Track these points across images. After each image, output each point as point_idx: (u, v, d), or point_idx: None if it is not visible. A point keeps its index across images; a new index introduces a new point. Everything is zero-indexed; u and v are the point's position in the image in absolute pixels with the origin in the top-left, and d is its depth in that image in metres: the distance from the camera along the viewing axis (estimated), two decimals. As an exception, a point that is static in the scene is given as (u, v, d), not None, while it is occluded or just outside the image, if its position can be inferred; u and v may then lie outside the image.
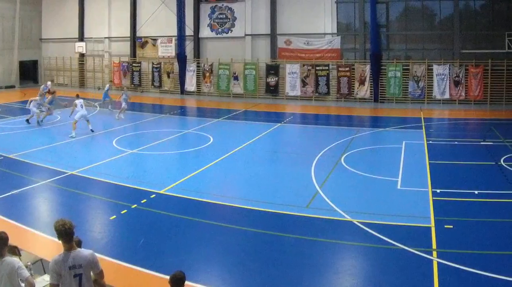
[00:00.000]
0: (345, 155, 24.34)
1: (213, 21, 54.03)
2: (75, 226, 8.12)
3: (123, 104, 36.16)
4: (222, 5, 53.38)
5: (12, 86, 60.06)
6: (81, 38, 60.98)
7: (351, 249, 14.04)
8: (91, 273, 8.28)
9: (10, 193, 18.60)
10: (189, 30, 53.73)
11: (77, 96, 32.61)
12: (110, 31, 59.72)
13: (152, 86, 56.15)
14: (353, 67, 47.48)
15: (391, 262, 12.91)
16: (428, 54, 46.73)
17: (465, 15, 45.85)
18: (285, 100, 48.62)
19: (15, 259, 8.55)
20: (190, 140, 29.41)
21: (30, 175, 21.25)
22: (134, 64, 57.11)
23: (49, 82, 46.76)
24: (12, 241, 9.36)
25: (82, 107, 30.15)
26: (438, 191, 18.44)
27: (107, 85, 44.24)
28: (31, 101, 33.71)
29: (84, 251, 8.25)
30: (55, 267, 7.96)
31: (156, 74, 55.71)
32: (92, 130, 30.07)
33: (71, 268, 7.92)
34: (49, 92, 37.71)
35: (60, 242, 8.11)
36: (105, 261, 12.25)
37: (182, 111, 43.11)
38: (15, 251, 10.65)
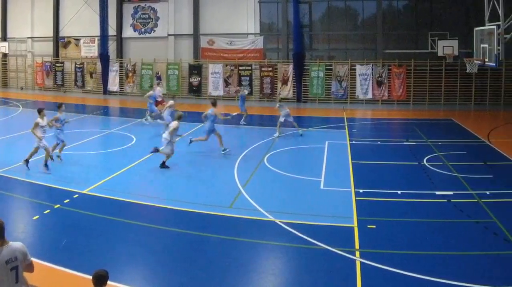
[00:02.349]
0: (268, 155, 22.61)
1: (136, 21, 48.71)
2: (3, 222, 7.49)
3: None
4: (145, 5, 48.23)
5: None
6: (4, 38, 54.07)
7: (274, 249, 13.08)
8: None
9: None
10: (112, 30, 48.36)
11: None
12: (33, 31, 52.99)
13: (75, 86, 50.23)
14: (276, 67, 43.38)
15: (314, 262, 12.05)
16: (351, 54, 43.11)
17: (388, 15, 42.87)
18: (208, 100, 41.60)
19: None
20: (113, 140, 27.07)
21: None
22: (57, 64, 50.95)
23: None
24: None
25: None
26: (361, 191, 17.19)
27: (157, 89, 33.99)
28: None
29: (15, 244, 7.64)
30: None
31: (79, 74, 49.95)
32: None
33: (7, 262, 7.36)
34: None
35: None
36: (28, 261, 10.89)
37: (105, 111, 39.50)
38: None
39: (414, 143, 24.68)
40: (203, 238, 13.35)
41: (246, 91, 33.94)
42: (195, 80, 45.60)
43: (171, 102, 26.90)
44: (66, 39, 51.49)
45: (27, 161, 19.68)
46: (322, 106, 40.45)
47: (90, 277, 7.34)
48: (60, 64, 51.07)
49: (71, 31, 50.89)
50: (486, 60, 28.16)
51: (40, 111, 20.00)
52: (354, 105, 40.07)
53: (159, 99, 32.38)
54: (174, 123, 20.76)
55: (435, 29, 38.90)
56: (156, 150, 20.55)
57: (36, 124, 19.55)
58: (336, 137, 26.74)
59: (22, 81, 53.85)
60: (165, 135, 20.54)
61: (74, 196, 16.62)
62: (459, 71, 38.28)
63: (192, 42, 46.47)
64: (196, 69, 45.65)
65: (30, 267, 7.83)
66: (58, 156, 21.17)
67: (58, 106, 21.27)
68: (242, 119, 31.31)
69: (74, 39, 51.04)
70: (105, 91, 48.54)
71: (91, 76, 49.69)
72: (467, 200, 16.18)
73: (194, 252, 12.50)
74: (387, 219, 14.63)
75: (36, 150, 19.84)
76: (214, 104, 23.66)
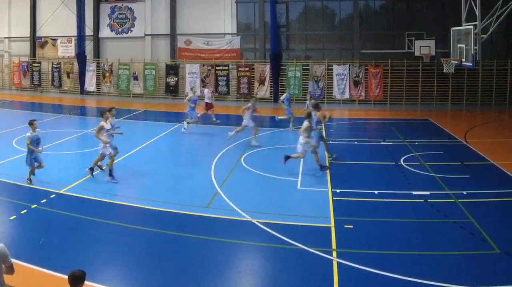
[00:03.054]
0: (245, 155, 22.00)
1: (113, 21, 46.72)
2: None
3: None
4: (122, 5, 46.25)
5: None
6: (-19, 38, 51.89)
7: (251, 249, 12.69)
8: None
9: None
10: (89, 30, 46.32)
11: None
12: (10, 31, 50.77)
13: (52, 86, 48.06)
14: (253, 67, 41.51)
15: (292, 262, 11.69)
16: (328, 54, 41.42)
17: (365, 15, 41.14)
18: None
19: None
20: (90, 140, 24.91)
21: None
22: (34, 64, 48.56)
23: None
24: None
25: None
26: (338, 191, 16.79)
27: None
28: None
29: None
30: None
31: (56, 74, 47.75)
32: None
33: None
34: None
35: None
36: (6, 261, 10.23)
37: (82, 111, 37.90)
38: None
39: (391, 143, 23.93)
40: (180, 238, 13.03)
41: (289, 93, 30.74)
42: (172, 80, 43.83)
43: (249, 104, 24.18)
44: (43, 39, 49.45)
45: (92, 169, 18.38)
46: (299, 106, 36.81)
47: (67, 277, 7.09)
48: (37, 64, 48.94)
49: (48, 31, 48.92)
50: (463, 60, 27.55)
51: (106, 112, 18.62)
52: (331, 105, 38.54)
53: (209, 101, 30.49)
54: (305, 124, 19.05)
55: (412, 29, 37.79)
56: (288, 157, 19.22)
57: (100, 128, 17.85)
58: (313, 137, 24.99)
59: (-1, 81, 51.81)
60: (301, 140, 19.01)
61: (51, 196, 16.20)
62: (436, 71, 37.23)
63: (169, 42, 44.69)
64: (173, 69, 43.83)
65: (10, 270, 7.68)
66: (100, 166, 19.46)
67: (108, 111, 19.06)
68: (291, 125, 28.21)
69: (51, 39, 49.02)
70: (82, 91, 46.75)
71: (68, 76, 47.72)
72: (444, 200, 15.79)
73: (171, 252, 12.21)
74: (364, 219, 14.27)
75: (102, 157, 18.37)
76: (317, 107, 21.46)
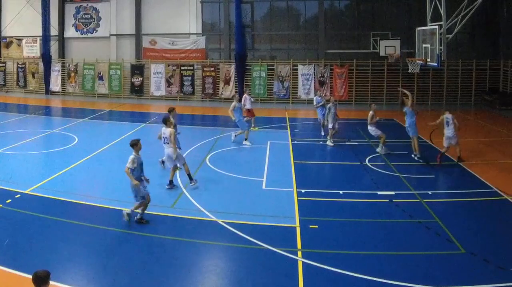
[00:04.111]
0: (210, 155, 21.26)
1: (78, 21, 43.94)
2: None
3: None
4: (87, 5, 43.50)
5: None
6: None
7: (216, 249, 12.13)
8: None
9: None
10: (54, 30, 43.65)
11: None
12: (-25, 31, 47.70)
13: (17, 86, 45.25)
14: (218, 67, 39.31)
15: (257, 262, 11.22)
16: (293, 54, 39.61)
17: (330, 15, 39.32)
18: (150, 100, 40.55)
19: None
20: (55, 140, 25.04)
21: None
22: (-1, 65, 45.73)
23: None
24: None
25: None
26: (303, 191, 16.17)
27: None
28: None
29: None
30: None
31: (21, 74, 44.96)
32: None
33: None
34: None
35: None
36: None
37: (47, 111, 36.03)
38: None
39: (356, 143, 23.16)
40: (145, 238, 12.54)
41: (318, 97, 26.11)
42: (137, 80, 41.37)
43: (372, 114, 21.41)
44: (8, 39, 46.64)
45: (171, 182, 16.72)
46: (264, 106, 36.92)
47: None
48: (2, 64, 46.07)
49: (13, 31, 46.09)
50: (428, 60, 26.88)
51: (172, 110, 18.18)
52: (296, 105, 37.13)
53: (249, 107, 26.46)
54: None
55: (377, 29, 36.36)
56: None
57: (172, 133, 16.47)
58: (278, 137, 25.01)
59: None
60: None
61: (16, 196, 15.57)
62: (401, 71, 35.73)
63: (134, 42, 42.21)
64: (138, 69, 41.34)
65: None
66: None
67: (170, 111, 18.25)
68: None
69: (16, 39, 46.15)
70: (47, 91, 44.07)
71: (33, 76, 45.04)
72: (409, 200, 15.32)
73: (136, 252, 11.69)
74: (329, 219, 13.84)
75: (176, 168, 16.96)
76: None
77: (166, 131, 16.17)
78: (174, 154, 16.08)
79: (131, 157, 13.05)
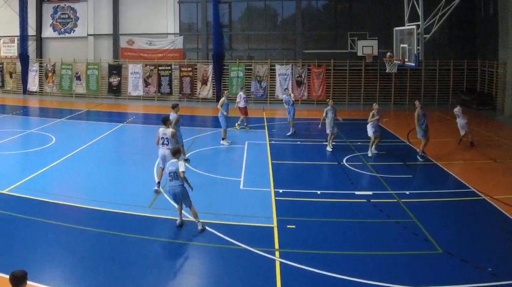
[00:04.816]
0: (187, 155, 20.21)
1: (56, 21, 42.14)
2: None
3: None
4: (65, 5, 41.69)
5: None
6: None
7: (194, 249, 11.83)
8: None
9: None
10: (31, 30, 41.89)
11: None
12: (-49, 31, 45.61)
13: (-5, 87, 43.13)
14: (195, 67, 37.69)
15: (234, 262, 10.98)
16: (271, 54, 38.20)
17: (308, 15, 37.89)
18: (128, 100, 39.08)
19: None
20: (33, 140, 24.42)
21: None
22: (-24, 65, 43.53)
23: None
24: None
25: None
26: (281, 191, 15.74)
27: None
28: None
29: None
30: None
31: (-2, 74, 42.78)
32: None
33: None
34: None
35: None
36: None
37: (25, 111, 34.83)
38: None
39: (333, 143, 22.01)
40: (123, 238, 12.24)
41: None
42: (114, 80, 39.72)
43: (373, 113, 20.52)
44: (-15, 40, 44.23)
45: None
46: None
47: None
48: (-21, 65, 43.71)
49: (-10, 31, 43.75)
50: (406, 60, 26.06)
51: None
52: (274, 105, 35.66)
53: (242, 105, 26.35)
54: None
55: (354, 29, 35.10)
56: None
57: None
58: (256, 138, 24.45)
59: None
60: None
61: None
62: (378, 71, 34.62)
63: (111, 42, 40.43)
64: (115, 69, 39.64)
65: None
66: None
67: (173, 107, 18.64)
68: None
69: (-6, 39, 43.83)
70: (25, 91, 42.37)
71: (11, 76, 43.13)
72: (387, 200, 14.99)
73: (113, 252, 11.43)
74: (306, 219, 13.52)
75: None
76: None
77: (167, 131, 15.59)
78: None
79: (181, 161, 12.73)
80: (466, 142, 21.90)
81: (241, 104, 26.14)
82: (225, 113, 22.29)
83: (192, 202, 12.55)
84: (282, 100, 34.55)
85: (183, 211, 12.96)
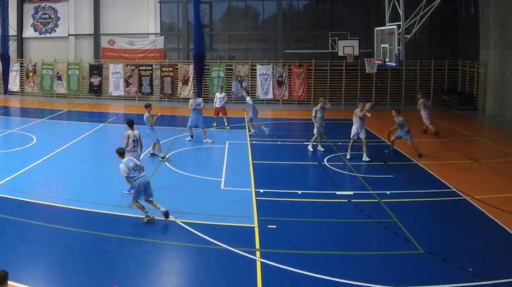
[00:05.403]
0: (168, 155, 19.95)
1: (37, 21, 40.72)
2: None
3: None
4: (46, 5, 40.33)
5: None
6: None
7: (175, 249, 11.65)
8: None
9: None
10: (12, 30, 40.45)
11: None
12: None
13: (-25, 87, 41.44)
14: (176, 67, 36.56)
15: (215, 262, 10.79)
16: (252, 54, 37.16)
17: (289, 15, 37.07)
18: (109, 100, 37.99)
19: None
20: (13, 140, 23.99)
21: None
22: (-44, 65, 41.66)
23: None
24: None
25: None
26: (262, 191, 15.35)
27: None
28: None
29: None
30: None
31: (-21, 74, 41.12)
32: None
33: None
34: None
35: None
36: None
37: (5, 111, 33.83)
38: None
39: (315, 143, 21.37)
40: (104, 238, 11.96)
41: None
42: (95, 80, 38.43)
43: (367, 108, 19.67)
44: (-35, 39, 42.84)
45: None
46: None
47: None
48: (-41, 65, 42.03)
49: (-29, 31, 42.01)
50: (387, 60, 25.32)
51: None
52: (257, 106, 34.55)
53: (218, 105, 26.07)
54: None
55: (335, 29, 34.20)
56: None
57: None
58: (237, 138, 23.96)
59: None
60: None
61: None
62: (359, 71, 33.67)
63: (92, 42, 39.16)
64: (96, 69, 38.34)
65: None
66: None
67: (146, 106, 18.97)
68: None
69: (-26, 39, 42.47)
70: (6, 91, 40.98)
71: (-8, 77, 41.05)
72: (368, 200, 14.71)
73: (94, 252, 11.14)
74: (287, 219, 13.27)
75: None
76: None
77: (136, 133, 15.65)
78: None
79: (121, 165, 13.30)
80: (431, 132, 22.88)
81: (217, 104, 25.58)
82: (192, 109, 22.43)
83: (137, 197, 12.74)
84: (264, 100, 34.24)
85: (147, 207, 12.92)
